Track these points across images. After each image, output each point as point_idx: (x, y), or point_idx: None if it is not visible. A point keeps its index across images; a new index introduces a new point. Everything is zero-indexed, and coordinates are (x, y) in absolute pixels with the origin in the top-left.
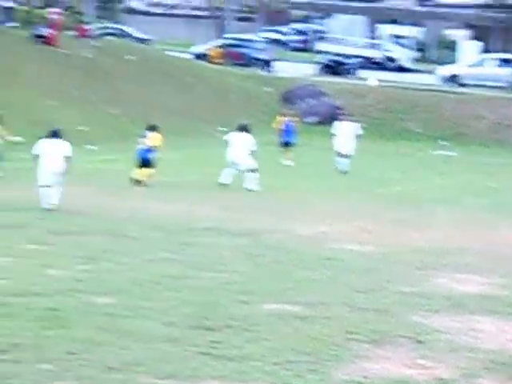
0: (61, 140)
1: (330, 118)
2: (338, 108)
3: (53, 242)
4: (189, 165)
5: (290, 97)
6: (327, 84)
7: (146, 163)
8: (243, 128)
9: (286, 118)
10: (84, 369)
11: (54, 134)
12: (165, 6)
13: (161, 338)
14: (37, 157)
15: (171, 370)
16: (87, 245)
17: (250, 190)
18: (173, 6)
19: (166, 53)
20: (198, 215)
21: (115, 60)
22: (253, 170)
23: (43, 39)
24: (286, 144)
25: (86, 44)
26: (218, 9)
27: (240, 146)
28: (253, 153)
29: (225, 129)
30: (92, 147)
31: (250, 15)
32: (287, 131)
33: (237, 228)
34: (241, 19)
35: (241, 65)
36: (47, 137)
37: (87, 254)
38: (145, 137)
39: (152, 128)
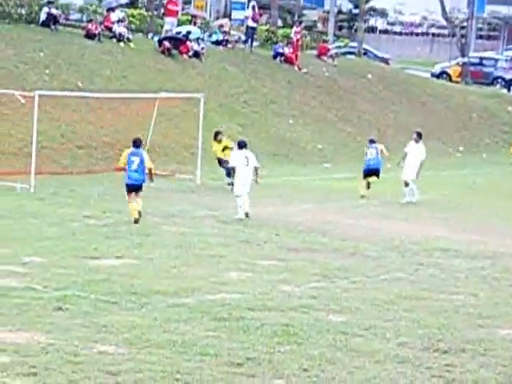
0: (248, 151)
1: None
2: None
3: (288, 258)
4: (425, 185)
5: None
6: None
7: (373, 172)
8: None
9: None
10: None
11: (243, 145)
12: (404, 24)
13: (394, 358)
14: (233, 168)
15: None
16: (322, 262)
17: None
18: (412, 25)
19: (405, 71)
20: (432, 236)
21: (353, 78)
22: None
23: (283, 58)
24: None
25: (325, 63)
26: (459, 27)
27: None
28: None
29: (464, 149)
30: (327, 165)
31: (492, 33)
32: None
33: (474, 250)
34: (483, 37)
35: (482, 83)
36: (239, 147)
37: (322, 272)
38: (372, 147)
39: (372, 141)
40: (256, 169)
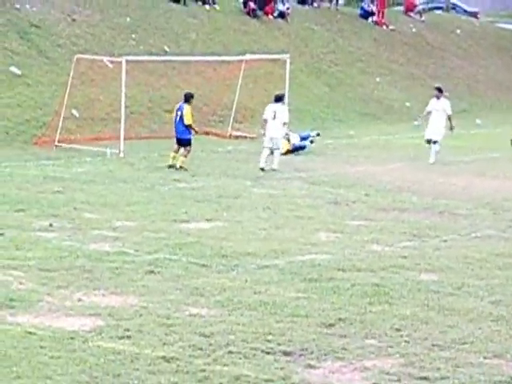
0: (281, 105)
1: None
2: None
3: (378, 218)
4: None
5: None
6: None
7: None
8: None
9: None
10: (409, 345)
11: (277, 99)
12: None
13: (488, 316)
14: (265, 121)
15: (499, 349)
16: (412, 221)
17: None
18: None
19: (496, 25)
20: None
21: (442, 34)
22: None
23: (371, 16)
24: None
25: (412, 19)
26: None
27: None
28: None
29: None
30: (417, 123)
31: None
32: None
33: None
34: None
35: None
36: (274, 100)
37: (412, 231)
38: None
39: None
40: (284, 124)
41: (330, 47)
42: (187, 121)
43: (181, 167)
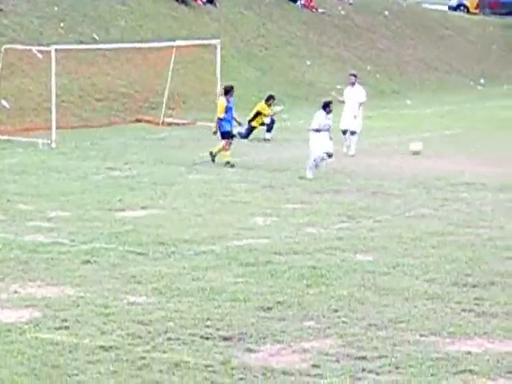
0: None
1: None
2: None
3: (312, 200)
4: (447, 119)
5: None
6: None
7: None
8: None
9: None
10: (347, 326)
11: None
12: None
13: (423, 294)
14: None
15: (434, 326)
16: (346, 203)
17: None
18: None
19: (422, 6)
20: (456, 170)
21: (370, 16)
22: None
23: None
24: None
25: (341, 1)
26: None
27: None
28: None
29: (485, 81)
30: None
31: None
32: None
33: (499, 182)
34: None
35: (500, 14)
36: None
37: (346, 212)
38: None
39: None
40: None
41: (260, 31)
42: (219, 113)
43: (227, 162)
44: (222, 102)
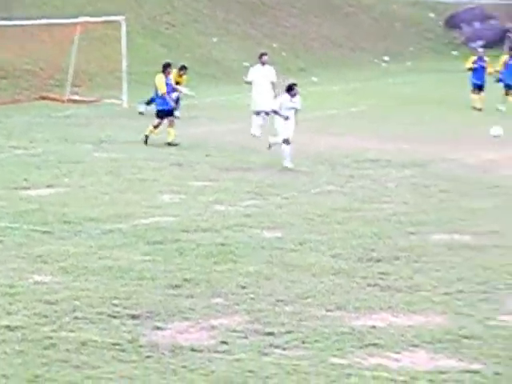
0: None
1: (497, 41)
2: (507, 31)
3: (221, 178)
4: (353, 96)
5: (455, 21)
6: (494, 6)
7: None
8: None
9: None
10: (254, 302)
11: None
12: None
13: (329, 270)
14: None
15: (340, 301)
16: (254, 180)
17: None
18: None
19: None
20: (362, 147)
21: None
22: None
23: None
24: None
25: None
26: None
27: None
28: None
29: (389, 58)
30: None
31: None
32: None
33: (402, 159)
34: None
35: None
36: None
37: (254, 190)
38: None
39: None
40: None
41: (166, 8)
42: (162, 90)
43: (146, 136)
44: (160, 78)
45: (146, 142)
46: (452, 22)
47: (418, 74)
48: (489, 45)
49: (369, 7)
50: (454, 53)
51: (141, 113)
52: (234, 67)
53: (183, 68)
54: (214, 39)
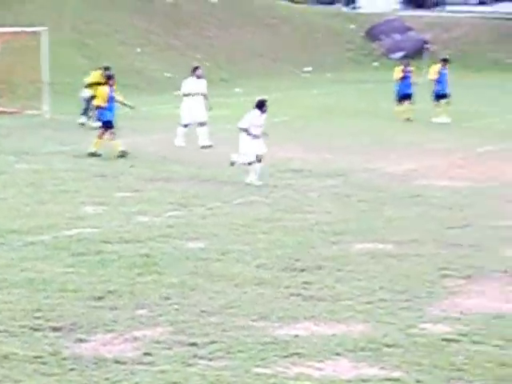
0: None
1: (417, 52)
2: (425, 42)
3: (144, 189)
4: (275, 107)
5: (375, 33)
6: (413, 18)
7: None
8: None
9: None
10: (178, 313)
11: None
12: None
13: (253, 280)
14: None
15: (264, 311)
16: (178, 191)
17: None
18: None
19: None
20: (285, 157)
21: (197, 4)
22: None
23: None
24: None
25: None
26: None
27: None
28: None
29: (310, 69)
30: (177, 93)
31: None
32: (440, 81)
33: (325, 169)
34: None
35: (324, 3)
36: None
37: (178, 200)
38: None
39: None
40: None
41: (88, 18)
42: (101, 102)
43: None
44: (103, 90)
45: (95, 155)
46: (372, 34)
47: (340, 85)
48: (409, 56)
49: (290, 18)
50: (375, 64)
51: (81, 124)
52: (156, 77)
53: (107, 69)
54: (137, 50)
